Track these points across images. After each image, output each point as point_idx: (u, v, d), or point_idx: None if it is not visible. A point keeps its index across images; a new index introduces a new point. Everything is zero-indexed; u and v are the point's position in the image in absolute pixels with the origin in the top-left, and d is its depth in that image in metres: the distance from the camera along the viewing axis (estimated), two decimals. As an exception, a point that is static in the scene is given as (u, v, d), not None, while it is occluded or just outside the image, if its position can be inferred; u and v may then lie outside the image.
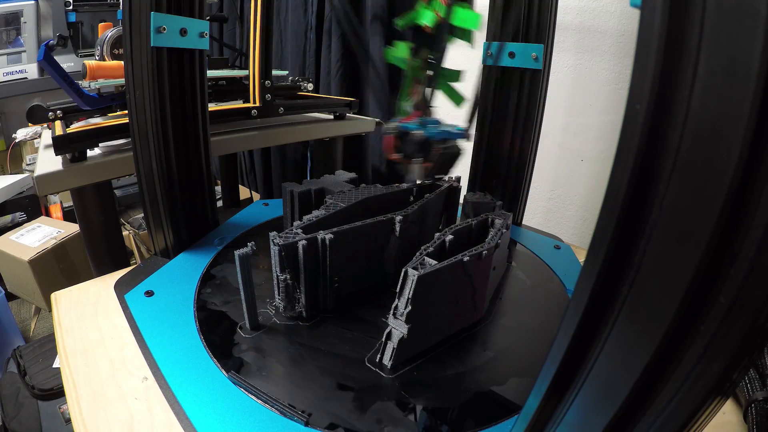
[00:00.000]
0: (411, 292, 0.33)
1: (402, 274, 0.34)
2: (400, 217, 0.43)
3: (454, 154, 0.48)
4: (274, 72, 0.84)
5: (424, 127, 0.46)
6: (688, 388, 0.16)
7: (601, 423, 0.19)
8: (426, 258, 0.36)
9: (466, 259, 0.36)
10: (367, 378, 0.35)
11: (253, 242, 0.37)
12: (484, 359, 0.38)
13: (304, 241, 0.38)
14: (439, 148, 0.47)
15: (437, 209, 0.52)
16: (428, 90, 0.49)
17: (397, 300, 0.35)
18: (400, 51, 0.48)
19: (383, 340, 0.36)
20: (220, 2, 1.50)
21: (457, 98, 0.51)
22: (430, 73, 0.48)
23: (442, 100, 0.51)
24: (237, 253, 0.36)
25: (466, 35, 0.46)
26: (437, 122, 0.48)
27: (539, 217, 0.88)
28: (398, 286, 0.34)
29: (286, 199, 0.52)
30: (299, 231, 0.39)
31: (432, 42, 0.46)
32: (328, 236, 0.38)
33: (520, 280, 0.51)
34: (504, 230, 0.43)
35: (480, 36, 0.59)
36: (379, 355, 0.36)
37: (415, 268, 0.34)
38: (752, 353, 0.16)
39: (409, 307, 0.34)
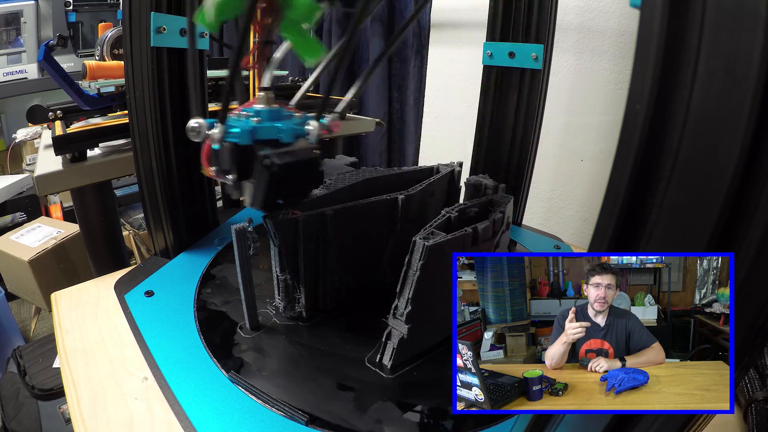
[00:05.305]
0: (419, 263, 0.33)
1: (411, 246, 0.33)
2: (403, 196, 0.42)
3: (304, 163, 0.28)
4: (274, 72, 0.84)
5: (244, 121, 0.27)
6: (688, 388, 0.16)
7: (601, 423, 0.19)
8: (434, 230, 0.35)
9: (472, 230, 0.36)
10: (367, 378, 0.35)
11: (250, 218, 0.36)
12: (484, 359, 0.38)
13: (303, 217, 0.36)
14: (264, 157, 0.28)
15: (438, 201, 0.51)
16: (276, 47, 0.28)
17: (397, 300, 0.35)
18: None
19: (383, 340, 0.36)
20: (220, 2, 1.49)
21: (311, 50, 0.29)
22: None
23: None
24: (234, 227, 0.35)
25: None
26: (278, 111, 0.29)
27: (539, 217, 0.88)
28: (399, 284, 0.34)
29: None
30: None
31: None
32: (329, 212, 0.37)
33: (520, 280, 0.51)
34: (504, 229, 0.43)
35: (480, 36, 0.59)
36: (379, 355, 0.36)
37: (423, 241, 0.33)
38: (752, 353, 0.16)
39: (410, 307, 0.34)
